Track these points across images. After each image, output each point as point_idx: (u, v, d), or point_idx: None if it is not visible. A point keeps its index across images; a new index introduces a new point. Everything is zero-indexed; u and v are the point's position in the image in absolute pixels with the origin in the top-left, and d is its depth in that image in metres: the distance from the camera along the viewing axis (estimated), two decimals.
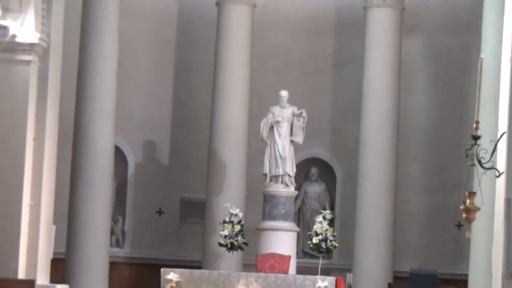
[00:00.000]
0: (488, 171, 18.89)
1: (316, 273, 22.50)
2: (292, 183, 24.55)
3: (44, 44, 22.08)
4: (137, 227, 27.45)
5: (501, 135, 17.76)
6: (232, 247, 23.85)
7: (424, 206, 26.45)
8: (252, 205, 25.00)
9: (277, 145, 24.19)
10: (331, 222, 24.14)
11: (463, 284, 22.73)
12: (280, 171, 24.20)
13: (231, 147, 25.96)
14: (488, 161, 18.74)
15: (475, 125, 18.71)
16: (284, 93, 24.40)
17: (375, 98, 25.66)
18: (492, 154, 18.55)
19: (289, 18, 26.98)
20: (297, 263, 23.89)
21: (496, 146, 18.41)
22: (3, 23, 21.62)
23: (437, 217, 25.74)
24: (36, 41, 21.82)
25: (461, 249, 23.46)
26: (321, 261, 23.44)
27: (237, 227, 23.75)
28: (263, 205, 24.44)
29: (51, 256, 22.74)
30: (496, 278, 17.80)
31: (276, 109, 24.32)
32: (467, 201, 19.60)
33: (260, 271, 22.85)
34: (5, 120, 20.39)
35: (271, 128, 24.26)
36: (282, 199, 24.37)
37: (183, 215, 27.44)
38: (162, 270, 22.45)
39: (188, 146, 27.59)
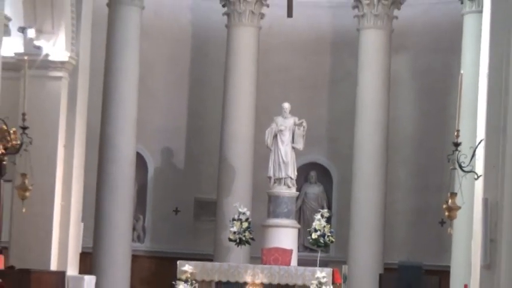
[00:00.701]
0: (468, 174, 18.91)
1: (315, 265, 22.46)
2: (293, 185, 24.54)
3: (74, 62, 22.14)
4: (156, 224, 27.44)
5: (479, 142, 17.77)
6: (240, 242, 23.85)
7: (410, 205, 26.41)
8: (258, 204, 24.97)
9: (281, 151, 24.18)
10: (328, 220, 24.07)
11: (446, 275, 22.72)
12: (283, 175, 24.20)
13: (239, 153, 25.94)
14: (467, 165, 18.76)
15: (456, 133, 18.76)
16: (286, 105, 24.41)
17: (367, 109, 25.62)
18: (471, 159, 18.57)
19: (291, 40, 26.98)
20: (298, 256, 23.86)
21: (474, 151, 18.42)
22: (37, 43, 21.68)
23: (422, 215, 25.69)
24: (66, 59, 21.89)
25: (444, 244, 23.41)
26: (319, 254, 23.42)
27: (245, 224, 23.76)
28: (268, 204, 24.42)
29: (79, 250, 22.76)
30: (475, 269, 17.77)
31: (279, 119, 24.32)
32: (449, 200, 19.62)
33: (265, 263, 22.83)
34: (39, 129, 20.39)
35: (275, 136, 24.27)
36: (285, 199, 24.36)
37: (196, 214, 27.43)
38: (178, 262, 22.43)
39: (201, 153, 27.58)
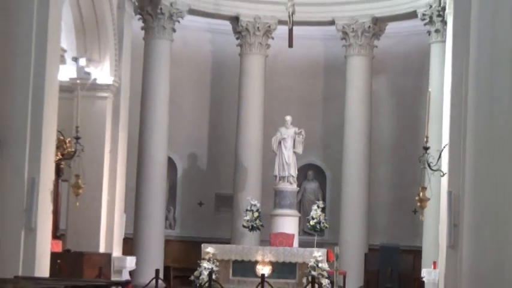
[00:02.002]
0: (435, 172, 18.88)
1: (312, 246, 22.41)
2: (294, 182, 24.50)
3: (116, 85, 22.13)
4: (184, 215, 27.39)
5: (444, 147, 17.74)
6: (252, 228, 23.85)
7: (389, 197, 26.34)
8: (266, 198, 24.91)
9: (284, 155, 24.16)
10: (323, 210, 24.04)
11: (418, 254, 22.60)
12: (286, 173, 24.16)
13: (251, 157, 25.88)
14: (435, 165, 18.71)
15: (425, 139, 18.71)
16: (288, 118, 24.39)
17: (353, 121, 25.54)
18: (438, 160, 18.54)
19: (291, 65, 26.92)
20: (299, 239, 23.82)
21: (440, 154, 18.39)
22: (87, 69, 21.71)
23: (399, 205, 25.62)
24: (110, 82, 21.90)
25: (416, 229, 23.35)
26: (316, 237, 23.38)
27: (256, 214, 23.77)
28: (274, 198, 24.40)
29: (123, 236, 22.75)
30: (442, 248, 17.74)
31: (283, 129, 24.30)
32: (421, 194, 19.57)
33: (272, 245, 22.81)
34: (89, 139, 20.43)
35: (280, 143, 24.25)
36: (288, 193, 24.33)
37: (217, 206, 27.36)
38: (202, 245, 22.41)
39: (220, 156, 27.53)
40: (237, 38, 26.37)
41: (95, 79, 21.72)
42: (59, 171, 19.78)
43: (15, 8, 16.93)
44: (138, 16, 24.65)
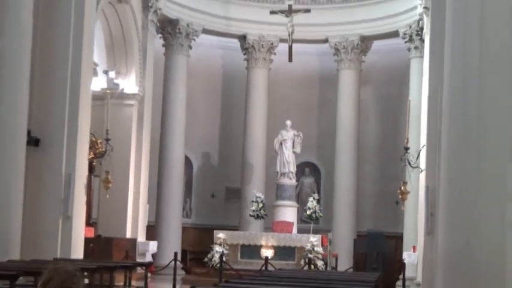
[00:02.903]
0: (415, 169, 18.91)
1: (309, 233, 22.46)
2: (293, 177, 24.55)
3: (141, 94, 22.22)
4: (199, 205, 27.39)
5: (422, 147, 17.76)
6: (257, 217, 23.90)
7: (375, 191, 26.31)
8: (269, 191, 24.92)
9: (284, 154, 24.20)
10: (318, 201, 24.12)
11: (400, 239, 22.56)
12: (287, 170, 24.20)
13: (256, 156, 25.87)
14: (414, 163, 18.74)
15: (406, 141, 18.74)
16: (288, 122, 24.43)
17: (344, 125, 25.53)
18: (417, 158, 18.56)
19: (291, 77, 26.89)
20: (297, 226, 23.82)
21: (419, 153, 18.43)
22: (116, 81, 21.82)
23: (383, 198, 25.58)
24: (136, 92, 21.99)
25: (398, 217, 23.31)
26: (312, 225, 23.43)
27: (260, 205, 23.82)
28: (276, 191, 24.44)
29: (146, 223, 22.82)
30: (420, 234, 17.75)
31: (283, 132, 24.35)
32: (402, 187, 19.62)
33: (275, 232, 22.82)
34: (118, 140, 20.45)
35: (281, 143, 24.30)
36: (288, 187, 24.38)
37: (227, 197, 27.35)
38: (214, 231, 22.46)
39: (229, 155, 27.52)
40: (244, 54, 26.40)
41: (122, 89, 21.83)
42: (91, 168, 19.87)
43: (55, 30, 17.04)
44: (160, 35, 24.71)
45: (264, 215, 23.94)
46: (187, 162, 26.44)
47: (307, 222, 23.89)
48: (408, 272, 18.51)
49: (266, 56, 26.20)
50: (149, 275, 17.69)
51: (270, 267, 18.31)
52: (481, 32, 7.58)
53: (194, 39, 25.34)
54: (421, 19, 22.27)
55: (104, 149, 19.95)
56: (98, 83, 20.94)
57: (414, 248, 20.55)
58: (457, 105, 11.47)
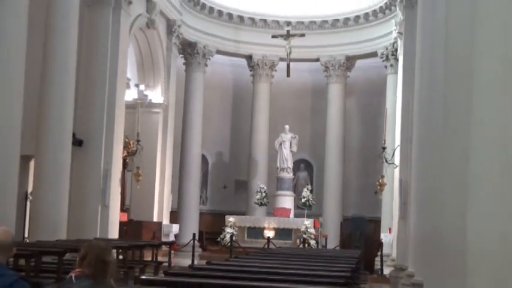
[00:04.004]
0: (391, 165, 18.90)
1: (303, 217, 22.54)
2: (291, 172, 24.63)
3: (166, 103, 22.28)
4: (213, 194, 27.40)
5: (396, 147, 17.78)
6: (261, 204, 23.97)
7: (358, 183, 26.28)
8: (271, 183, 24.94)
9: (283, 152, 24.28)
10: (311, 191, 24.19)
11: (378, 222, 22.48)
12: (285, 166, 24.28)
13: (260, 154, 25.85)
14: (390, 160, 18.74)
15: (383, 142, 18.75)
16: (286, 126, 24.53)
17: (332, 129, 25.51)
18: (392, 156, 18.57)
19: (289, 89, 26.84)
20: (294, 212, 23.88)
21: (394, 152, 18.45)
22: (145, 93, 21.90)
23: (364, 188, 25.53)
24: (161, 101, 22.06)
25: (377, 205, 23.27)
26: (306, 211, 23.53)
27: (263, 194, 23.90)
28: (276, 183, 24.52)
29: (170, 209, 22.89)
30: (395, 219, 17.74)
31: (282, 134, 24.44)
32: (380, 180, 19.59)
33: (275, 216, 22.92)
34: (146, 141, 20.53)
35: (280, 144, 24.40)
36: (286, 180, 24.45)
37: (236, 188, 27.35)
38: (226, 216, 22.55)
39: (238, 153, 27.50)
40: (250, 70, 26.43)
41: (150, 99, 21.89)
42: (125, 164, 19.92)
43: (96, 52, 17.12)
44: (181, 55, 24.75)
45: (267, 202, 24.00)
46: (203, 159, 26.48)
47: (302, 208, 23.96)
48: (385, 250, 18.53)
49: (268, 72, 26.23)
50: (172, 252, 17.72)
51: (271, 246, 18.34)
52: (445, 52, 7.60)
53: (209, 59, 25.38)
54: (395, 42, 22.30)
55: (135, 149, 20.01)
56: (131, 94, 21.01)
57: (390, 230, 20.58)
58: (424, 113, 11.50)
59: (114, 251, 14.13)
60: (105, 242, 13.67)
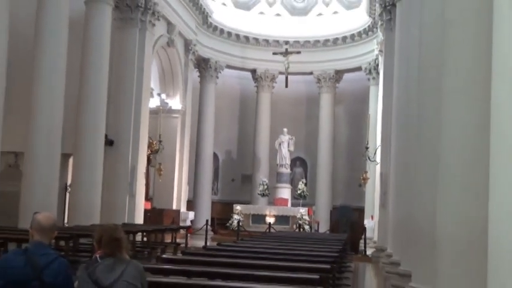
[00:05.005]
0: (373, 162, 18.85)
1: (299, 206, 22.51)
2: (288, 167, 24.53)
3: (183, 109, 22.24)
4: (223, 186, 27.29)
5: (378, 147, 17.78)
6: (263, 195, 23.92)
7: (345, 177, 26.14)
8: (272, 177, 24.82)
9: (282, 151, 24.19)
10: (305, 184, 24.13)
11: (362, 210, 22.35)
12: (284, 162, 24.19)
13: (263, 152, 25.76)
14: (373, 157, 18.71)
15: (366, 142, 18.71)
16: (285, 129, 24.43)
17: (323, 132, 25.45)
18: (374, 154, 18.55)
19: (287, 98, 26.71)
20: (291, 202, 23.82)
21: (376, 151, 18.43)
22: (166, 100, 21.85)
23: (351, 181, 25.43)
24: (180, 108, 21.99)
25: (361, 195, 23.18)
26: (301, 201, 23.43)
27: (265, 186, 23.83)
28: (276, 177, 24.39)
29: (186, 199, 22.85)
30: (376, 207, 17.75)
31: (281, 136, 24.35)
32: (364, 174, 19.53)
33: (275, 205, 22.88)
34: (167, 141, 20.53)
35: (279, 144, 24.35)
36: (284, 174, 24.36)
37: (242, 181, 27.21)
38: (233, 205, 22.52)
39: (244, 152, 27.36)
40: (254, 82, 26.38)
41: (170, 106, 21.87)
42: (149, 161, 19.92)
43: (125, 67, 17.15)
44: (196, 69, 24.72)
45: (268, 193, 23.96)
46: (215, 156, 26.44)
47: (298, 198, 23.87)
48: (368, 233, 18.50)
49: (269, 83, 26.20)
50: (188, 235, 17.73)
51: (272, 230, 18.35)
52: (418, 68, 7.62)
53: (220, 72, 25.35)
54: (377, 58, 22.31)
55: (157, 148, 20.03)
56: (154, 102, 21.00)
57: (372, 216, 20.55)
58: (401, 117, 11.52)
59: (139, 234, 14.17)
60: (135, 227, 13.62)
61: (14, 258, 4.16)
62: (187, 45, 22.47)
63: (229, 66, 25.64)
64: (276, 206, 22.65)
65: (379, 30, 19.48)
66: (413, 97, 8.48)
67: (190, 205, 23.80)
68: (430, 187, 5.86)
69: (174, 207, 21.36)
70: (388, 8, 15.83)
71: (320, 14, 26.02)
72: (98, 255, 4.11)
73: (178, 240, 16.05)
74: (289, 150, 24.37)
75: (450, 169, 4.64)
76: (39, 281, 4.02)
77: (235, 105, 27.85)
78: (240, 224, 19.99)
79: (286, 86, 24.65)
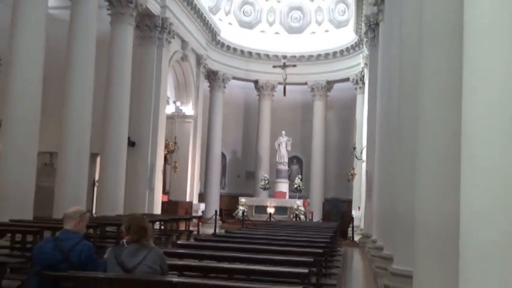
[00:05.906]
0: (359, 160, 18.82)
1: (295, 198, 22.51)
2: (286, 165, 24.53)
3: (195, 115, 22.22)
4: (230, 181, 27.33)
5: (364, 147, 17.76)
6: (265, 188, 23.92)
7: (335, 173, 26.15)
8: (272, 173, 24.88)
9: (281, 151, 24.22)
10: (301, 180, 24.13)
11: (350, 202, 22.38)
12: (282, 161, 24.22)
13: (264, 152, 25.77)
14: (359, 156, 18.69)
15: (354, 143, 18.65)
16: (283, 132, 24.45)
17: (316, 134, 25.47)
18: (361, 153, 18.52)
19: (285, 105, 26.77)
20: (289, 194, 23.83)
21: (362, 150, 18.42)
22: (180, 107, 21.81)
23: (341, 177, 25.41)
24: (192, 114, 21.97)
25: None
26: (297, 194, 23.45)
27: (266, 181, 23.84)
28: (276, 173, 24.39)
29: (198, 192, 22.85)
30: (362, 199, 17.74)
31: (280, 138, 24.37)
32: (352, 171, 19.47)
33: (275, 198, 22.86)
34: (181, 143, 20.56)
35: (279, 145, 24.36)
36: (283, 171, 24.37)
37: (247, 177, 27.26)
38: (239, 197, 22.52)
39: (248, 152, 27.42)
40: (257, 91, 26.39)
41: (184, 112, 21.88)
42: (166, 159, 19.95)
43: (145, 78, 17.18)
44: (206, 80, 24.76)
45: (269, 187, 23.96)
46: (223, 156, 26.47)
47: (295, 192, 23.89)
48: (355, 223, 18.51)
49: (270, 92, 26.22)
50: (200, 223, 17.75)
51: (272, 219, 18.35)
52: (399, 78, 7.64)
53: (227, 83, 25.39)
54: (363, 71, 22.29)
55: (173, 148, 20.07)
56: (170, 109, 21.03)
57: (359, 207, 20.55)
58: (384, 122, 11.52)
59: (157, 222, 14.21)
60: (153, 217, 13.65)
61: (44, 245, 4.29)
62: (199, 59, 22.50)
63: (235, 78, 25.66)
64: (276, 199, 22.66)
65: (364, 46, 19.49)
66: (394, 105, 8.51)
67: (202, 198, 23.82)
68: (408, 183, 5.89)
69: (187, 199, 21.39)
70: (373, 26, 15.84)
71: (313, 32, 26.06)
72: (125, 241, 4.15)
73: (191, 228, 16.07)
74: (287, 150, 24.39)
75: (425, 168, 4.69)
76: (67, 262, 4.09)
77: (240, 112, 27.88)
78: (245, 214, 20.02)
79: (284, 94, 24.66)
